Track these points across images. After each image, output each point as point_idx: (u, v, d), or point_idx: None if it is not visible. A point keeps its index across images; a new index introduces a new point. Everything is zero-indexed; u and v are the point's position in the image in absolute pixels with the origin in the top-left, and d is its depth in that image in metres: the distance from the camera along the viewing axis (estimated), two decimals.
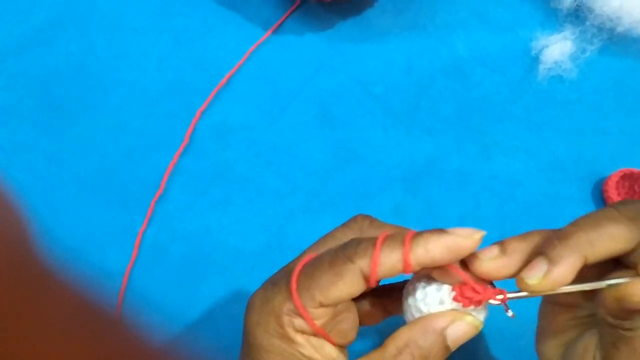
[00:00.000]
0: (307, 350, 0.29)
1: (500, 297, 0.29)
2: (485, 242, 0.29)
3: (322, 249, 0.30)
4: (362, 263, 0.28)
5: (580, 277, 0.28)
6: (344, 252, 0.28)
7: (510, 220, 0.43)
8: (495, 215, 0.44)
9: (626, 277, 0.28)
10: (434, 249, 0.27)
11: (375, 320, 0.33)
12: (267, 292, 0.29)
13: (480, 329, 0.29)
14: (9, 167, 0.46)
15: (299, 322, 0.28)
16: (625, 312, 0.28)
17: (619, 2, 0.46)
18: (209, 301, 0.42)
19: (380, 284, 0.34)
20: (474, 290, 0.28)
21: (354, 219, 0.31)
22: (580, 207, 0.44)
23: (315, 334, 0.29)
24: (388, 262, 0.28)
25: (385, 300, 0.32)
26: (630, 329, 0.28)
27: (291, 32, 0.50)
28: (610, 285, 0.28)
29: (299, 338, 0.28)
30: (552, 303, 0.32)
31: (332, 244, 0.30)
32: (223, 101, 0.48)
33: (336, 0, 0.49)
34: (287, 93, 0.48)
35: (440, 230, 0.28)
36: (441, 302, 0.29)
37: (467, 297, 0.28)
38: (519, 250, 0.29)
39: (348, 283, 0.28)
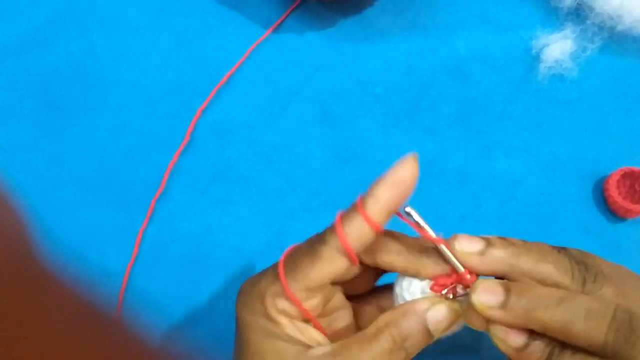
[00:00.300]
0: (290, 330, 0.29)
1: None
2: None
3: None
4: (334, 241, 0.29)
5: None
6: (318, 236, 0.30)
7: (510, 220, 0.43)
8: (495, 214, 0.44)
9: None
10: (382, 194, 0.29)
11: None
12: (254, 278, 0.31)
13: (459, 314, 0.30)
14: (9, 167, 0.46)
15: (282, 303, 0.29)
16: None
17: (620, 1, 0.46)
18: (209, 300, 0.42)
19: (378, 284, 0.34)
20: (446, 279, 0.30)
21: None
22: (581, 207, 0.44)
23: (301, 317, 0.30)
24: (354, 230, 0.29)
25: (380, 298, 0.34)
26: None
27: (291, 31, 0.50)
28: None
29: (282, 319, 0.29)
30: None
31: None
32: (223, 100, 0.48)
33: None
34: (287, 92, 0.48)
35: (378, 180, 0.29)
36: (423, 292, 0.30)
37: (440, 285, 0.30)
38: (498, 259, 0.29)
39: (326, 262, 0.29)
